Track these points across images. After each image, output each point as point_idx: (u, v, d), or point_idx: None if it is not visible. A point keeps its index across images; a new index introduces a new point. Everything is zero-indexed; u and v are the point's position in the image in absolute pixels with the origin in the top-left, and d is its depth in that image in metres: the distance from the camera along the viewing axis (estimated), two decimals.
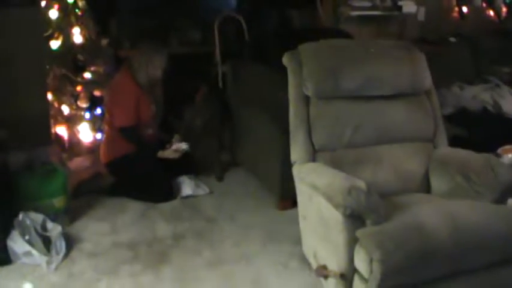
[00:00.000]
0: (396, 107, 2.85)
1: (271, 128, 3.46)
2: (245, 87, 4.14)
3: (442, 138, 2.94)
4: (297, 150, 2.71)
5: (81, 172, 3.87)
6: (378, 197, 2.24)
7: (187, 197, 3.69)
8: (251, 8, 5.81)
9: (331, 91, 2.74)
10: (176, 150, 3.78)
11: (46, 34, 3.83)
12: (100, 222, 3.33)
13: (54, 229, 2.94)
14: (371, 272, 2.09)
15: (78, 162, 4.05)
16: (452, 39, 5.32)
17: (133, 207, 3.55)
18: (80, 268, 2.82)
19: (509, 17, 6.09)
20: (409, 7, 5.38)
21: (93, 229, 3.24)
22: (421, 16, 5.57)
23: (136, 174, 3.66)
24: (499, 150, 3.62)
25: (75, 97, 4.10)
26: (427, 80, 2.92)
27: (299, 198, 2.74)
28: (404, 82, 2.85)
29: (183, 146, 3.80)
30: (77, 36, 4.08)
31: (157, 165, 3.70)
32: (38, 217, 2.94)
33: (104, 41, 4.36)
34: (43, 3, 3.82)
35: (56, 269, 2.79)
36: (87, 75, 4.12)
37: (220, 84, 4.51)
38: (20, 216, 2.88)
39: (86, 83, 4.12)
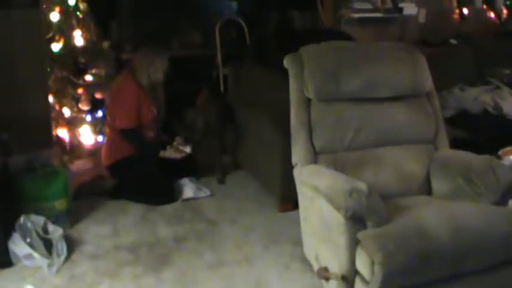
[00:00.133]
0: (397, 109, 2.85)
1: (272, 130, 3.46)
2: (246, 89, 4.14)
3: (443, 140, 2.94)
4: (298, 153, 2.71)
5: (82, 174, 3.88)
6: (379, 199, 2.24)
7: (189, 199, 3.70)
8: (252, 11, 5.83)
9: (332, 93, 2.74)
10: (177, 149, 3.78)
11: (47, 37, 3.84)
12: (101, 224, 3.34)
13: (56, 231, 2.94)
14: (372, 274, 2.09)
15: (79, 165, 4.05)
16: (453, 41, 5.33)
17: (135, 209, 3.55)
18: (81, 270, 2.82)
19: (510, 18, 6.11)
20: (409, 9, 5.39)
21: (95, 231, 3.24)
22: (422, 18, 5.58)
23: (137, 177, 3.66)
24: (500, 152, 3.61)
25: (77, 99, 4.11)
26: (428, 81, 2.92)
27: (300, 200, 2.74)
28: (405, 84, 2.86)
29: (187, 149, 3.80)
30: (78, 38, 4.09)
31: (158, 167, 3.70)
32: (39, 219, 2.94)
33: (105, 44, 4.37)
34: (44, 6, 3.83)
35: (57, 271, 2.78)
36: (89, 77, 4.13)
37: (222, 87, 4.51)
38: (21, 218, 2.88)
39: (87, 86, 4.12)
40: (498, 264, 2.30)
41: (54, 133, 3.90)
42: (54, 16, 3.94)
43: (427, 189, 2.82)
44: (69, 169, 3.78)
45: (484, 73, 4.76)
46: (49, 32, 3.87)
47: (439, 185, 2.77)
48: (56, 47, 3.94)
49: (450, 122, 3.71)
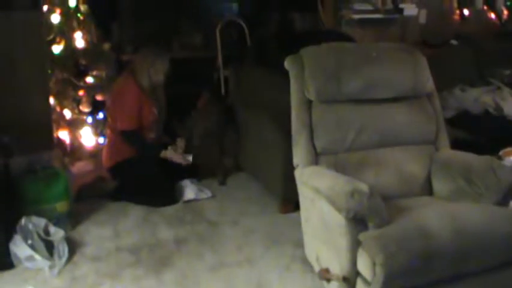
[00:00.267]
0: (398, 109, 2.85)
1: (273, 131, 3.47)
2: (247, 91, 4.14)
3: (444, 141, 2.94)
4: (299, 154, 2.71)
5: (83, 176, 3.88)
6: (380, 200, 2.24)
7: (190, 200, 3.70)
8: (253, 12, 5.83)
9: (333, 95, 2.74)
10: (177, 150, 3.78)
11: (48, 38, 3.85)
12: (102, 226, 3.34)
13: (57, 233, 2.94)
14: (374, 275, 2.08)
15: (80, 167, 4.05)
16: (454, 42, 5.32)
17: (136, 211, 3.55)
18: (83, 272, 2.82)
19: (510, 19, 6.10)
20: (410, 10, 5.39)
21: (96, 233, 3.24)
22: (423, 19, 5.58)
23: (138, 179, 3.66)
24: (501, 153, 3.61)
25: (77, 101, 4.12)
26: (428, 82, 2.92)
27: (301, 202, 2.74)
28: (406, 85, 2.86)
29: (188, 157, 3.80)
30: (79, 40, 4.09)
31: (159, 169, 3.70)
32: (41, 221, 2.94)
33: (106, 45, 4.37)
34: (45, 8, 3.83)
35: (59, 273, 2.78)
36: (89, 79, 4.13)
37: (223, 89, 4.51)
38: (23, 220, 2.88)
39: (88, 88, 4.13)
40: (499, 265, 2.30)
41: (55, 135, 3.90)
42: (55, 18, 3.94)
43: (428, 190, 2.82)
44: (70, 171, 3.78)
45: (484, 74, 4.76)
46: (50, 33, 3.88)
47: (440, 185, 2.77)
48: (56, 48, 3.95)
49: (451, 122, 3.71)
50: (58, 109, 4.00)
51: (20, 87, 3.48)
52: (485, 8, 6.08)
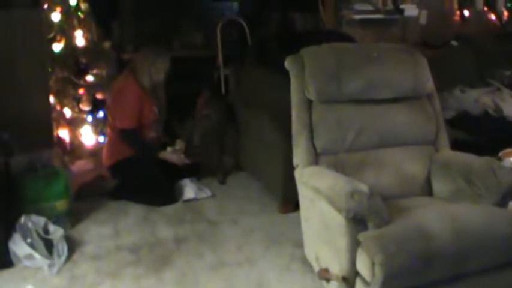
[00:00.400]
0: (398, 110, 2.85)
1: (273, 131, 3.47)
2: (247, 90, 4.15)
3: (444, 142, 2.94)
4: (299, 154, 2.71)
5: (83, 175, 3.88)
6: (380, 201, 2.24)
7: (190, 200, 3.70)
8: (253, 11, 5.83)
9: (333, 95, 2.74)
10: (175, 152, 3.78)
11: (48, 37, 3.84)
12: (102, 225, 3.34)
13: (56, 232, 2.94)
14: (373, 275, 2.08)
15: (80, 165, 4.05)
16: (454, 43, 5.32)
17: (136, 210, 3.55)
18: (82, 271, 2.82)
19: (511, 20, 6.11)
20: (411, 10, 5.39)
21: (96, 232, 3.24)
22: (423, 19, 5.58)
23: (138, 177, 3.66)
24: (501, 154, 3.61)
25: (78, 100, 4.12)
26: (428, 83, 2.92)
27: (301, 202, 2.74)
28: (406, 85, 2.86)
29: (185, 159, 3.80)
30: (79, 39, 4.10)
31: (159, 168, 3.70)
32: (40, 220, 2.94)
33: (107, 44, 4.38)
34: (45, 6, 3.83)
35: (58, 272, 2.78)
36: (90, 78, 4.14)
37: (223, 88, 4.51)
38: (22, 219, 2.88)
39: (88, 86, 4.13)
40: (499, 266, 2.30)
41: (55, 133, 3.91)
42: (55, 16, 3.95)
43: (427, 190, 2.82)
44: (70, 169, 3.78)
45: (484, 75, 4.77)
46: (50, 32, 3.88)
47: (440, 186, 2.77)
48: (57, 47, 3.95)
49: (451, 123, 3.71)
50: (58, 107, 4.00)
51: (20, 85, 3.48)
52: (485, 9, 6.08)
